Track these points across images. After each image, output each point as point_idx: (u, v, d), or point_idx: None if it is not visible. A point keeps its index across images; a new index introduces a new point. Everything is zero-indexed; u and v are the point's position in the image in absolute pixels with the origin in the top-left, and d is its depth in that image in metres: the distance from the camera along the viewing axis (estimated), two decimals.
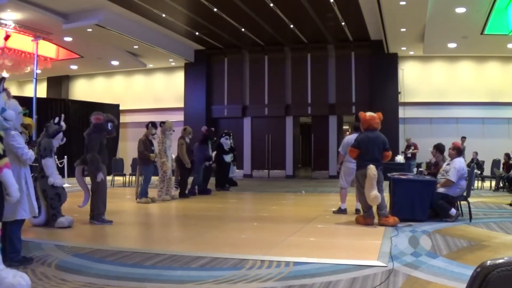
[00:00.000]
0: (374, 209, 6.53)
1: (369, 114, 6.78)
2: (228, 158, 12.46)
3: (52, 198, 6.23)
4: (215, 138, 11.79)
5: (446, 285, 3.62)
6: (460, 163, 7.08)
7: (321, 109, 17.58)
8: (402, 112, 16.83)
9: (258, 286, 3.66)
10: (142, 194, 9.33)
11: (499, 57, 16.22)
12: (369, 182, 6.28)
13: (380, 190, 6.40)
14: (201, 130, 11.61)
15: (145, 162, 9.36)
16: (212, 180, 12.06)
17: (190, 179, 10.94)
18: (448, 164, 7.33)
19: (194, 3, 13.14)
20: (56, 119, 6.47)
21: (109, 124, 6.92)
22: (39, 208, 6.21)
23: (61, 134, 6.42)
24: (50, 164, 6.22)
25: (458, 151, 7.27)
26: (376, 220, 6.50)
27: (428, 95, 16.84)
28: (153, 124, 9.67)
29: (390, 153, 6.75)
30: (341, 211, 7.72)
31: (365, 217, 6.56)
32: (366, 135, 6.63)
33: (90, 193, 6.77)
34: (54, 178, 6.22)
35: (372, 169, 6.28)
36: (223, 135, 12.51)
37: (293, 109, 17.94)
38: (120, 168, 14.28)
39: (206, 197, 10.74)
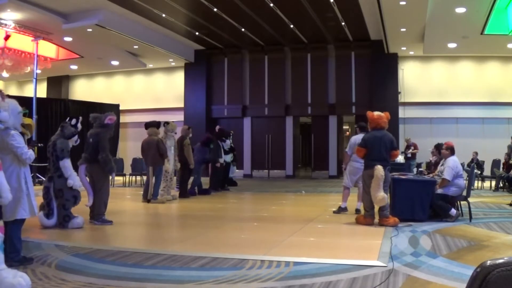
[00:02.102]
0: (376, 209, 6.53)
1: (377, 113, 6.76)
2: (228, 158, 12.50)
3: (68, 200, 6.14)
4: (211, 146, 11.49)
5: (446, 285, 3.62)
6: (453, 161, 7.09)
7: (321, 109, 17.58)
8: (402, 112, 16.83)
9: (258, 286, 3.66)
10: (156, 194, 9.35)
11: (499, 57, 16.23)
12: (376, 183, 6.25)
13: (385, 190, 6.40)
14: (205, 131, 11.71)
15: (160, 163, 9.35)
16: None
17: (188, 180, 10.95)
18: (442, 165, 7.35)
19: (194, 3, 13.14)
20: (73, 121, 6.34)
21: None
22: (52, 210, 6.17)
23: (76, 137, 6.33)
24: (68, 165, 6.13)
25: (452, 150, 7.28)
26: (376, 220, 6.51)
27: (428, 95, 16.84)
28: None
29: (398, 151, 6.80)
30: (341, 209, 7.72)
31: (365, 216, 6.57)
32: (373, 134, 6.63)
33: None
34: (74, 180, 6.13)
35: (379, 169, 6.25)
36: None
37: (293, 109, 17.94)
38: (120, 168, 14.27)
39: (206, 197, 10.74)
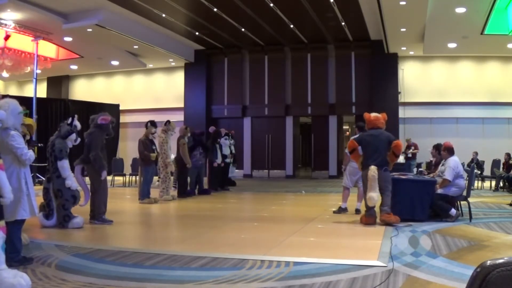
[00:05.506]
0: (377, 207, 6.55)
1: (373, 114, 6.87)
2: (228, 158, 12.52)
3: (67, 200, 6.14)
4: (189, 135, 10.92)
5: (446, 285, 3.62)
6: (454, 161, 7.10)
7: (321, 109, 17.58)
8: (402, 112, 16.83)
9: (258, 286, 3.66)
10: (144, 194, 9.31)
11: (499, 57, 16.22)
12: (367, 183, 6.37)
13: (385, 190, 6.42)
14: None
15: (146, 163, 9.33)
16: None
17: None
18: (443, 165, 7.37)
19: (194, 3, 13.14)
20: (69, 120, 6.35)
21: (111, 125, 6.93)
22: (52, 210, 6.17)
23: (74, 135, 6.29)
24: (66, 166, 6.13)
25: (450, 151, 7.28)
26: (378, 220, 6.53)
27: (428, 95, 16.84)
28: (152, 123, 9.59)
29: (398, 142, 6.62)
30: (341, 210, 7.73)
31: (366, 215, 6.59)
32: (370, 133, 6.74)
33: (90, 192, 6.75)
34: (71, 181, 6.15)
35: (371, 170, 6.34)
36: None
37: (293, 109, 17.94)
38: (120, 168, 14.28)
39: (206, 197, 10.73)
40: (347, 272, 3.99)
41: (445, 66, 16.92)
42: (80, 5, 12.82)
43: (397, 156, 6.80)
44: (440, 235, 5.76)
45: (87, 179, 6.99)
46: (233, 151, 13.17)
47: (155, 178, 10.64)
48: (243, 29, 15.51)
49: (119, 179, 14.16)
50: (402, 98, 16.89)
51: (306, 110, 17.90)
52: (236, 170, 15.29)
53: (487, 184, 13.38)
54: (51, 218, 6.18)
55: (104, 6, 13.09)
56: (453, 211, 6.94)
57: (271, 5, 12.83)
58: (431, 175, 7.97)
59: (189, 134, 10.67)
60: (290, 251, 4.92)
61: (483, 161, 13.84)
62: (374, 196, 6.25)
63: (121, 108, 19.26)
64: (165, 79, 19.79)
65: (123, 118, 19.35)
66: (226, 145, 12.44)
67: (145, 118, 19.81)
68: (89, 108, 16.33)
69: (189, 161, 10.21)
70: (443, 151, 7.41)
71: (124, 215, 7.87)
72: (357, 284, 3.68)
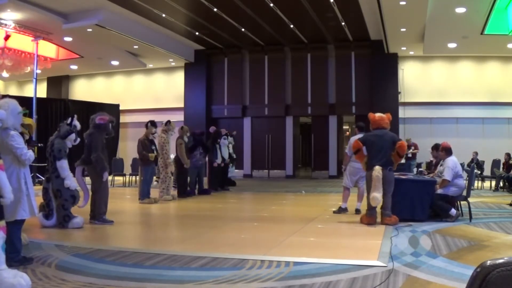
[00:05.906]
0: (378, 209, 6.55)
1: (378, 114, 6.86)
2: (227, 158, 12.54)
3: (66, 200, 6.15)
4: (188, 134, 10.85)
5: (446, 285, 3.62)
6: (452, 161, 7.10)
7: (321, 109, 17.58)
8: (402, 112, 16.83)
9: (258, 286, 3.66)
10: (144, 194, 9.31)
11: (499, 57, 16.22)
12: (371, 183, 6.36)
13: (388, 191, 6.43)
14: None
15: (146, 163, 9.32)
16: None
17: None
18: (441, 165, 7.38)
19: (194, 3, 13.14)
20: (69, 120, 6.34)
21: (110, 125, 6.92)
22: (52, 210, 6.18)
23: (73, 135, 6.26)
24: (65, 166, 6.12)
25: (447, 151, 7.29)
26: (379, 220, 6.53)
27: (428, 95, 16.84)
28: (152, 123, 9.59)
29: (402, 142, 6.67)
30: (341, 210, 7.73)
31: (367, 215, 6.59)
32: (374, 133, 6.74)
33: (90, 193, 6.75)
34: (70, 181, 6.15)
35: (376, 170, 6.34)
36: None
37: (293, 109, 17.94)
38: (120, 168, 14.29)
39: (206, 197, 10.73)
40: (347, 272, 3.99)
41: (445, 66, 16.92)
42: (80, 5, 12.82)
43: (401, 157, 6.83)
44: (440, 235, 5.76)
45: (87, 179, 6.99)
46: (230, 150, 13.08)
47: (154, 178, 10.61)
48: (243, 29, 15.51)
49: (119, 179, 14.16)
50: (402, 98, 16.89)
51: (306, 110, 17.90)
52: (236, 170, 15.29)
53: (487, 184, 13.38)
54: (51, 218, 6.18)
55: (104, 6, 13.09)
56: (453, 211, 6.94)
57: (271, 5, 12.83)
58: (431, 175, 7.99)
59: (188, 134, 10.66)
60: (290, 251, 4.92)
61: (483, 161, 13.84)
62: (378, 196, 6.24)
63: (121, 108, 19.26)
64: (165, 79, 19.79)
65: (123, 118, 19.35)
66: (225, 145, 12.44)
67: (145, 118, 19.78)
68: (89, 108, 16.32)
69: (187, 161, 10.19)
70: (440, 151, 7.43)
71: (124, 215, 7.87)
72: (357, 284, 3.68)
